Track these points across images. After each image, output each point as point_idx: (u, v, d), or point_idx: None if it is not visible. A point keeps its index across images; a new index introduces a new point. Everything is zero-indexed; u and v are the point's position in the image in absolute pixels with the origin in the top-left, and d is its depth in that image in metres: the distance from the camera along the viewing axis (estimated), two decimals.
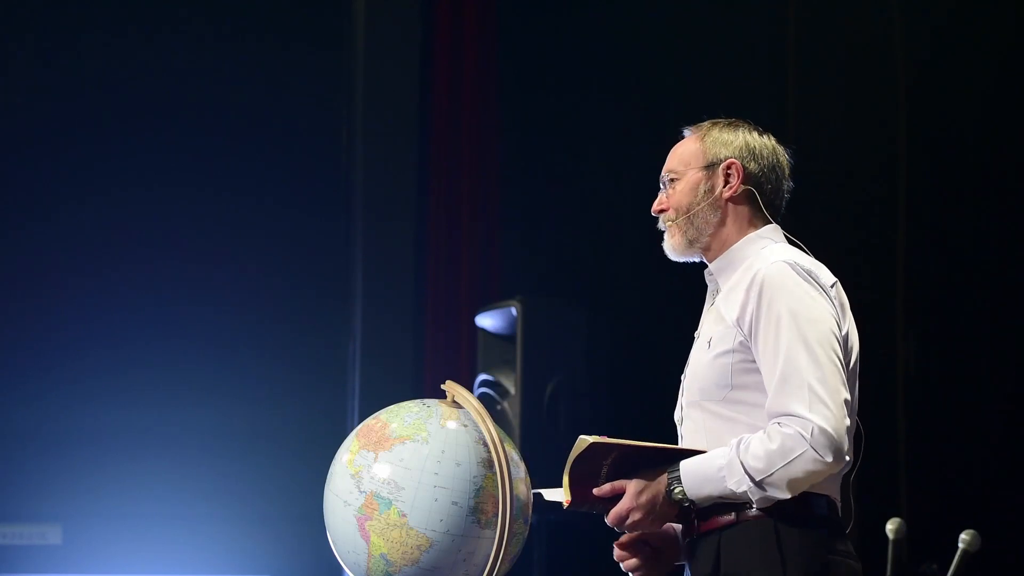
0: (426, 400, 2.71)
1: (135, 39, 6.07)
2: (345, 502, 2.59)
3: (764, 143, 2.90)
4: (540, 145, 6.23)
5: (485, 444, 2.62)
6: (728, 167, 2.86)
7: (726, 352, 2.74)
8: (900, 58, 5.75)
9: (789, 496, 2.63)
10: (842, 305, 2.77)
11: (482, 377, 5.38)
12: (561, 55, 6.20)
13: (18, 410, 5.86)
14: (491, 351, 5.42)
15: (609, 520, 2.73)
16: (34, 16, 6.02)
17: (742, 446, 2.64)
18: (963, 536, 4.15)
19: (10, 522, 5.86)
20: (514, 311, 5.30)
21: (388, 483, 2.56)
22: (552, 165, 6.20)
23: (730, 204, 2.86)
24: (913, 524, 4.57)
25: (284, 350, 6.05)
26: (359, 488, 2.58)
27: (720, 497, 2.67)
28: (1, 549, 5.83)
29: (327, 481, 2.66)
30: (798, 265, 2.74)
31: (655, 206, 2.92)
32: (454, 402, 2.69)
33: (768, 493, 2.63)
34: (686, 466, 2.69)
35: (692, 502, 2.68)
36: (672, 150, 2.94)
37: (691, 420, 2.81)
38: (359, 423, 2.72)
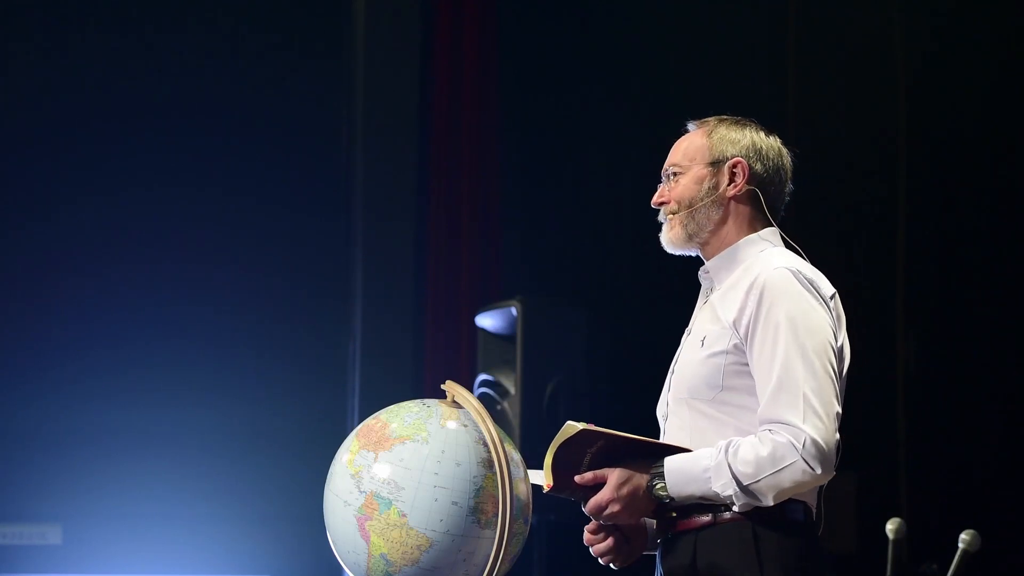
0: (426, 400, 2.70)
1: (135, 39, 6.07)
2: (345, 502, 2.59)
3: (771, 144, 2.88)
4: (540, 145, 6.24)
5: (485, 444, 2.62)
6: (734, 166, 2.84)
7: (719, 353, 2.73)
8: (900, 58, 5.76)
9: (771, 504, 2.63)
10: (839, 317, 2.77)
11: (482, 377, 5.38)
12: (561, 55, 6.21)
13: (18, 410, 5.86)
14: (491, 351, 5.42)
15: (587, 509, 2.73)
16: (34, 16, 6.02)
17: (731, 449, 2.64)
18: (963, 536, 4.14)
19: (10, 522, 5.86)
20: (514, 311, 5.30)
21: (388, 483, 2.56)
22: (552, 165, 6.21)
23: (733, 203, 2.85)
24: (913, 524, 4.57)
25: (284, 350, 6.05)
26: (359, 488, 2.58)
27: (701, 497, 2.66)
28: (1, 549, 5.84)
29: (327, 481, 2.66)
30: (800, 273, 2.72)
31: (656, 198, 2.90)
32: (454, 402, 2.69)
33: (752, 499, 2.63)
34: (671, 463, 2.68)
35: (672, 499, 2.68)
36: (676, 144, 2.92)
37: (677, 417, 2.80)
38: (359, 423, 2.72)
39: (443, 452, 2.59)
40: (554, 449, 2.69)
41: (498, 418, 5.16)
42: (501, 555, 2.57)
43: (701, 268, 2.89)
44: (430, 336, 6.09)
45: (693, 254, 2.91)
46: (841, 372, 2.73)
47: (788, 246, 2.86)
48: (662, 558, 2.77)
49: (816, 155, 5.43)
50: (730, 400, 2.72)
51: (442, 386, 2.71)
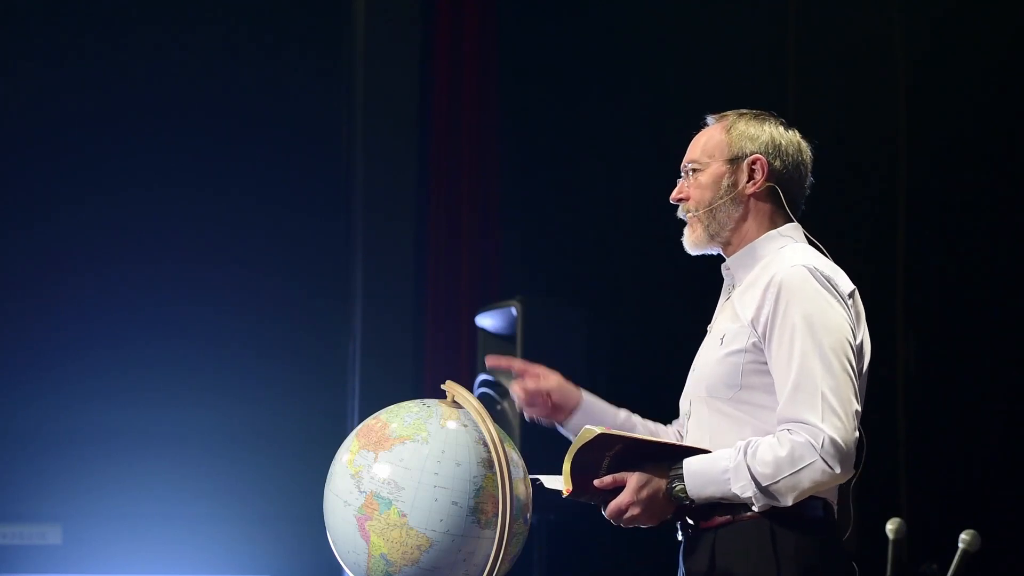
0: (426, 400, 2.70)
1: (135, 39, 6.07)
2: (345, 502, 2.59)
3: (790, 139, 2.86)
4: (540, 145, 6.24)
5: (485, 444, 2.62)
6: (753, 163, 2.82)
7: (737, 351, 2.72)
8: (900, 58, 5.75)
9: (790, 503, 2.63)
10: (858, 314, 2.75)
11: (482, 377, 5.37)
12: (561, 55, 6.20)
13: (18, 410, 5.86)
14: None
15: (607, 513, 2.73)
16: (35, 16, 6.02)
17: (749, 450, 2.63)
18: (963, 536, 4.15)
19: (10, 522, 5.86)
20: (514, 311, 5.30)
21: (388, 483, 2.56)
22: (552, 165, 6.20)
23: (752, 200, 2.82)
24: (913, 524, 4.57)
25: (284, 350, 6.05)
26: (359, 488, 2.58)
27: (721, 499, 2.66)
28: (1, 549, 5.84)
29: (327, 481, 2.66)
30: (817, 271, 2.71)
31: (675, 194, 2.88)
32: (454, 402, 2.69)
33: (771, 499, 2.63)
34: (689, 465, 2.68)
35: (692, 501, 2.68)
36: (695, 139, 2.89)
37: (696, 415, 2.80)
38: (359, 423, 2.72)
39: (443, 452, 2.59)
40: (573, 453, 2.68)
41: (498, 418, 5.16)
42: (501, 555, 2.57)
43: (723, 264, 2.88)
44: (430, 336, 6.09)
45: (715, 253, 2.88)
46: (860, 370, 2.71)
47: (810, 242, 2.84)
48: (684, 557, 2.77)
49: (816, 155, 5.43)
50: (749, 399, 2.71)
51: (442, 386, 2.71)
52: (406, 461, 2.57)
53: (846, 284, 2.75)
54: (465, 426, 2.64)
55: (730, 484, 2.64)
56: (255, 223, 6.09)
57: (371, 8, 6.17)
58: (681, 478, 2.67)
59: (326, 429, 5.77)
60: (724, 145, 2.84)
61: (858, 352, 2.70)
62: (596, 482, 2.71)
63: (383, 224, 6.13)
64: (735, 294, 2.81)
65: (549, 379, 2.97)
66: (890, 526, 4.29)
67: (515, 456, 2.68)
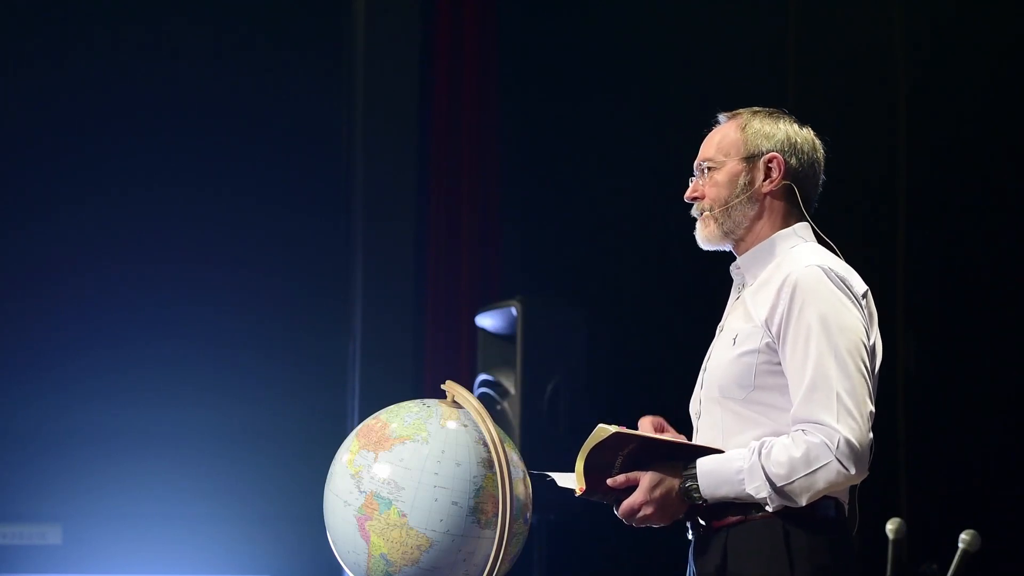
0: (426, 400, 2.70)
1: (135, 39, 6.07)
2: (345, 502, 2.59)
3: (805, 137, 2.85)
4: (540, 145, 6.24)
5: (485, 444, 2.62)
6: (769, 161, 2.80)
7: (751, 352, 2.71)
8: (900, 58, 5.75)
9: (804, 504, 2.62)
10: (871, 315, 2.74)
11: (482, 377, 5.38)
12: (561, 55, 6.20)
13: (18, 410, 5.86)
14: (491, 351, 5.42)
15: (620, 512, 2.72)
16: (34, 16, 6.02)
17: (764, 451, 2.63)
18: (963, 536, 4.14)
19: (10, 522, 5.86)
20: (514, 311, 5.30)
21: (388, 483, 2.56)
22: (552, 165, 6.20)
23: (768, 199, 2.81)
24: (913, 524, 4.57)
25: (284, 350, 6.05)
26: (359, 488, 2.58)
27: (735, 499, 2.66)
28: (1, 549, 5.84)
29: (327, 481, 2.66)
30: (832, 271, 2.70)
31: (689, 192, 2.86)
32: (454, 402, 2.69)
33: (786, 500, 2.62)
34: (703, 465, 2.67)
35: (705, 501, 2.68)
36: (708, 137, 2.87)
37: (709, 415, 2.78)
38: (359, 423, 2.72)
39: (443, 452, 2.59)
40: (586, 452, 2.67)
41: (498, 418, 5.16)
42: (501, 555, 2.57)
43: (732, 264, 2.87)
44: (430, 336, 6.09)
45: (727, 249, 2.87)
46: (873, 370, 2.71)
47: (821, 241, 2.83)
48: (694, 557, 2.77)
49: None
50: (762, 399, 2.70)
51: (442, 386, 2.71)
52: (406, 461, 2.57)
53: (859, 285, 2.74)
54: (465, 426, 2.64)
55: (744, 484, 2.63)
56: (255, 223, 6.09)
57: (371, 8, 6.17)
58: (694, 478, 2.67)
59: (326, 429, 5.77)
60: (740, 143, 2.82)
61: (871, 352, 2.70)
62: (609, 481, 2.70)
63: (383, 224, 6.13)
64: (746, 293, 2.79)
65: None
66: (890, 526, 4.29)
67: (515, 456, 2.68)
